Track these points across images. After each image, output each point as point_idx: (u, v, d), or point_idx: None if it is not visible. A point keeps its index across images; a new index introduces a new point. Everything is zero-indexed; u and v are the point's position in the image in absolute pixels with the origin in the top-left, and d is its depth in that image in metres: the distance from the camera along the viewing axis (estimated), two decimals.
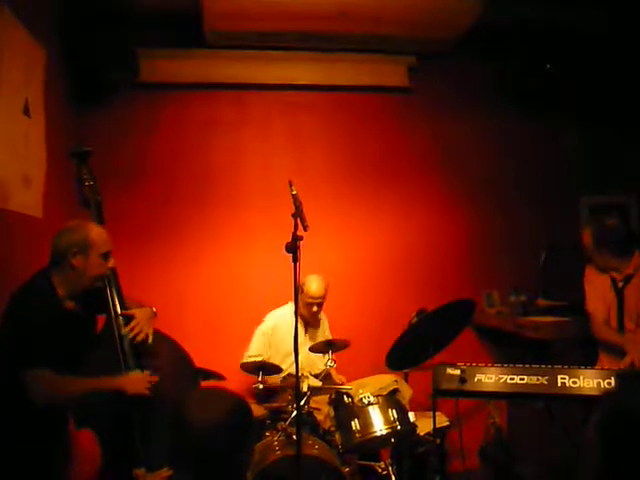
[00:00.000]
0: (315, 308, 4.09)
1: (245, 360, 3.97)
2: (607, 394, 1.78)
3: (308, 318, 4.18)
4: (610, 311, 3.63)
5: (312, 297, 4.06)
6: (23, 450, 2.49)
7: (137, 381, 2.60)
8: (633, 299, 3.58)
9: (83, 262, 2.60)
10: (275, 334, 4.15)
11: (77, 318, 2.67)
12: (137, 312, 2.75)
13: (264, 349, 4.13)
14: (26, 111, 3.40)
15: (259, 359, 3.94)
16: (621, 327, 3.59)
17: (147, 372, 2.63)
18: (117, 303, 2.77)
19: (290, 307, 4.17)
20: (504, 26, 4.49)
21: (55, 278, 2.61)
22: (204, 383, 3.45)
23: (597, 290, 3.68)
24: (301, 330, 4.20)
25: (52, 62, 3.77)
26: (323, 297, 4.10)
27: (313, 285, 4.06)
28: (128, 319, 2.72)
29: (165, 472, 2.40)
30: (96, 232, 2.67)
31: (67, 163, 4.10)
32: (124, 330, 2.69)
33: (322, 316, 4.31)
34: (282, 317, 4.16)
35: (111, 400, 2.57)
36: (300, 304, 4.12)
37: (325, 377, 3.94)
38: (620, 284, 3.62)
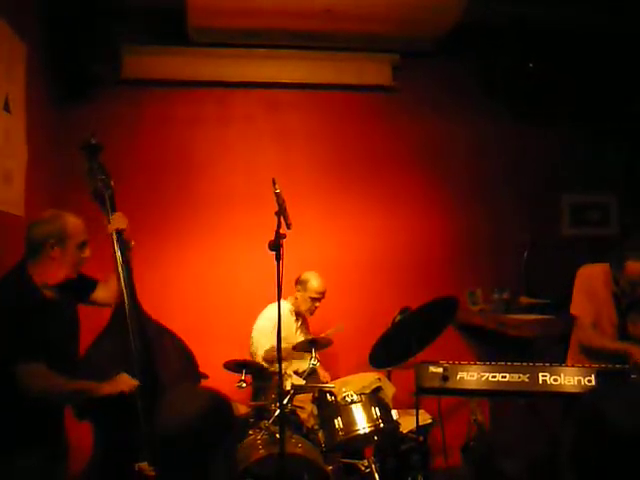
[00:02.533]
0: (317, 303, 4.20)
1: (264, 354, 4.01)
2: (586, 393, 1.80)
3: (306, 314, 4.22)
4: (611, 326, 3.51)
5: (318, 292, 4.18)
6: (20, 448, 2.47)
7: (117, 382, 2.59)
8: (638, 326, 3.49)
9: (60, 253, 2.59)
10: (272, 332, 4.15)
11: (58, 306, 2.64)
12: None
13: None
14: (6, 107, 3.36)
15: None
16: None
17: (127, 375, 2.63)
18: (129, 287, 2.80)
19: (286, 303, 4.19)
20: (488, 24, 4.51)
21: (31, 268, 2.58)
22: None
23: (595, 299, 3.53)
24: (294, 326, 4.22)
25: (34, 58, 3.73)
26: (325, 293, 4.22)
27: (318, 280, 4.19)
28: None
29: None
30: (72, 222, 2.65)
31: (49, 160, 4.09)
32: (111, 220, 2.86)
33: None
34: (282, 314, 4.18)
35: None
36: (300, 301, 4.17)
37: (309, 374, 3.94)
38: (624, 303, 3.48)
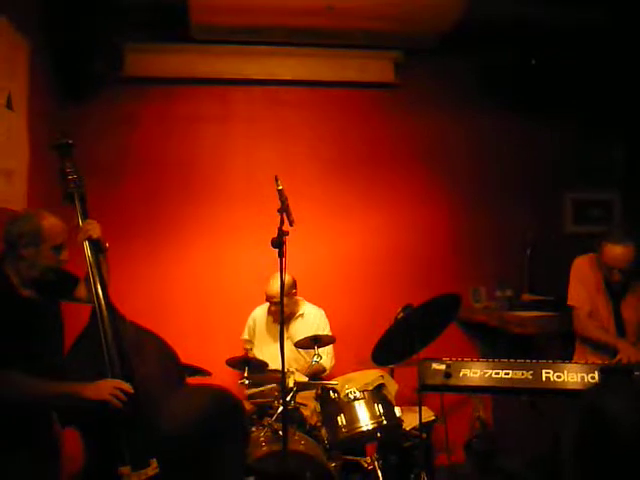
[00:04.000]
0: (273, 307, 4.04)
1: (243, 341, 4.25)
2: (587, 390, 1.80)
3: (275, 315, 4.13)
4: (606, 312, 3.54)
5: (269, 296, 4.02)
6: (10, 451, 2.46)
7: (101, 388, 2.48)
8: (632, 310, 3.51)
9: (33, 253, 2.54)
10: (255, 331, 4.23)
11: (36, 305, 2.60)
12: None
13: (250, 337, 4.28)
14: (9, 104, 3.37)
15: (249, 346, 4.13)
16: (620, 335, 3.51)
17: (118, 381, 2.53)
18: (102, 295, 2.71)
19: (266, 306, 4.19)
20: (490, 21, 4.49)
21: (7, 266, 2.55)
22: (190, 379, 3.44)
23: (589, 287, 3.59)
24: (273, 326, 4.17)
25: (36, 55, 3.73)
26: (279, 296, 4.06)
27: (269, 284, 3.99)
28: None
29: (151, 470, 2.39)
30: (49, 223, 2.58)
31: (51, 157, 4.08)
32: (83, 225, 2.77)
33: (308, 311, 4.31)
34: (259, 316, 4.24)
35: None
36: None
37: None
38: (616, 289, 3.52)
